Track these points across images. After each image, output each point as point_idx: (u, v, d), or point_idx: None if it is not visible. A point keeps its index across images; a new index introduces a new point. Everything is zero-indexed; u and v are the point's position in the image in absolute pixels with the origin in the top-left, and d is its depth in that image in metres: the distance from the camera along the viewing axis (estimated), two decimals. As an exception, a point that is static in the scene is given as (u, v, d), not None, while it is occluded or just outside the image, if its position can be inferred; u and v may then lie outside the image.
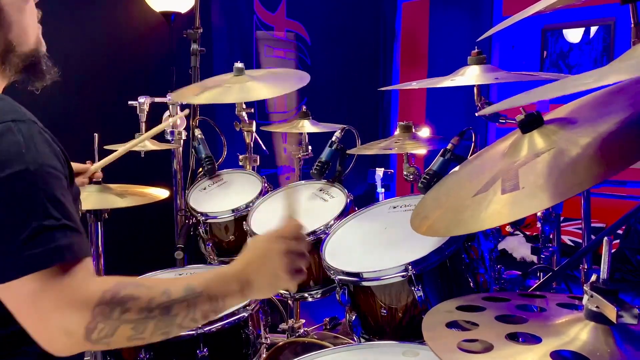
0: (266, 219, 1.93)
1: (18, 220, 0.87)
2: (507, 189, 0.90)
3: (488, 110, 1.14)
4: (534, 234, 4.04)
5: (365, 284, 1.44)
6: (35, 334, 0.88)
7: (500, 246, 3.98)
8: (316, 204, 1.96)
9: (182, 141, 2.57)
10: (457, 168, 1.35)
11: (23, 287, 0.86)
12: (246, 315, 1.61)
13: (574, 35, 4.66)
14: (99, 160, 1.98)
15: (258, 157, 2.47)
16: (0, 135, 0.90)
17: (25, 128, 0.92)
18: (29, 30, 1.09)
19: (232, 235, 2.09)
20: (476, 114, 1.45)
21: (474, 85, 1.60)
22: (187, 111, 2.30)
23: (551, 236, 1.70)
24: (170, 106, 2.52)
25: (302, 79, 2.15)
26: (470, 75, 1.56)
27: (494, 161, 1.09)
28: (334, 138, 2.06)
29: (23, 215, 0.87)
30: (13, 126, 0.91)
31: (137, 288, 0.92)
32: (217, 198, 2.22)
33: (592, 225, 1.63)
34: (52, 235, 0.88)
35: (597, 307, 0.83)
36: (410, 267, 1.36)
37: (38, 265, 0.86)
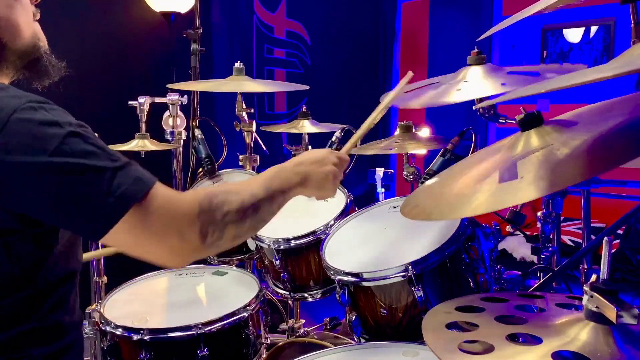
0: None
1: (94, 172, 0.90)
2: (505, 178, 0.91)
3: (485, 103, 1.14)
4: (534, 234, 4.04)
5: (365, 284, 1.43)
6: (153, 258, 0.97)
7: (500, 246, 3.97)
8: (316, 204, 1.94)
9: (182, 141, 2.57)
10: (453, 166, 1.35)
11: (125, 226, 0.90)
12: (246, 315, 1.60)
13: (574, 35, 4.66)
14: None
15: (258, 157, 2.47)
16: (31, 112, 0.91)
17: (46, 105, 0.95)
18: (21, 26, 1.07)
19: (232, 235, 2.09)
20: (473, 107, 1.42)
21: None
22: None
23: (551, 236, 1.69)
24: (171, 106, 2.52)
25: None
26: (476, 81, 1.46)
27: (491, 156, 1.09)
28: (334, 138, 2.06)
29: (95, 166, 0.90)
30: (35, 105, 0.93)
31: (227, 195, 1.03)
32: (217, 198, 2.21)
33: (592, 225, 1.63)
34: (127, 171, 0.93)
35: (597, 307, 0.83)
36: (410, 267, 1.35)
37: (133, 200, 0.91)
